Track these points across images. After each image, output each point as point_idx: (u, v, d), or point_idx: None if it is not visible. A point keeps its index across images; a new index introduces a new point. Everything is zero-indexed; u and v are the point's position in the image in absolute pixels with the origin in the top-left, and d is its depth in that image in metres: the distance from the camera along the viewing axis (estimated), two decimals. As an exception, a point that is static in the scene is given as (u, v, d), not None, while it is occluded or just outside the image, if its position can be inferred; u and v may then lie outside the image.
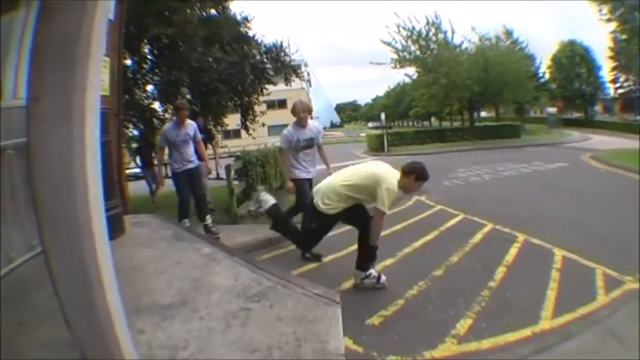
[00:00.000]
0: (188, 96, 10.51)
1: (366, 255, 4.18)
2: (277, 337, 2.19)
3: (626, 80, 39.57)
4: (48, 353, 1.96)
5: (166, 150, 6.38)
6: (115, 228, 4.00)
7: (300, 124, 5.27)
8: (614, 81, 42.00)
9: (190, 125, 6.09)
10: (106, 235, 1.57)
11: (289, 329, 2.29)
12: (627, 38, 22.55)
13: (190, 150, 6.11)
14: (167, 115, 10.86)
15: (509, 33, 35.11)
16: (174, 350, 2.05)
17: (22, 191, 2.83)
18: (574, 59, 44.04)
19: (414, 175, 3.91)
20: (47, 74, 1.56)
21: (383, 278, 4.25)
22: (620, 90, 42.13)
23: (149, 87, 10.52)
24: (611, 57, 37.47)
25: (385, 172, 3.96)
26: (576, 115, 47.06)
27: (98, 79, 1.61)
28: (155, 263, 3.40)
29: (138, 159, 10.13)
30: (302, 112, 5.24)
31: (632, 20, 19.62)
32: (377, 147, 28.05)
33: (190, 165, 6.10)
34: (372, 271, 4.26)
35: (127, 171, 10.22)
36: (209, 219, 6.30)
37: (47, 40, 1.58)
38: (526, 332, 3.31)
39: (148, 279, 3.06)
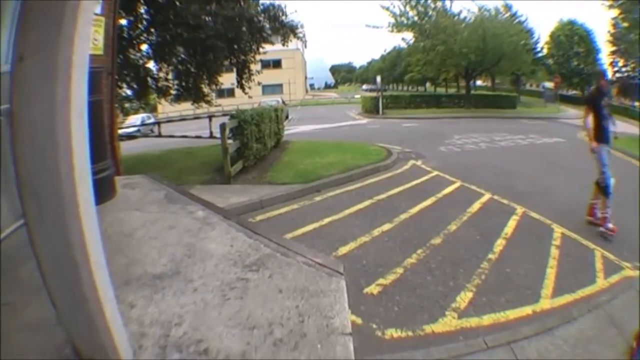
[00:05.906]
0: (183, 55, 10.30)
1: None
2: (278, 312, 2.04)
3: (624, 65, 39.26)
4: (34, 335, 1.80)
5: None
6: (105, 190, 3.85)
7: None
8: (612, 65, 41.60)
9: None
10: (93, 207, 1.37)
11: (291, 302, 2.14)
12: (628, 26, 22.47)
13: None
14: (160, 75, 10.83)
15: (508, 7, 34.32)
16: (167, 327, 1.88)
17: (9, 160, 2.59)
18: (572, 38, 43.18)
19: None
20: (34, 30, 1.36)
21: None
22: (617, 75, 41.76)
23: (144, 47, 10.31)
24: (610, 42, 37.05)
25: None
26: (573, 92, 46.59)
27: (87, 32, 1.39)
28: (146, 228, 3.21)
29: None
30: None
31: (634, 12, 19.56)
32: (371, 110, 27.83)
33: None
34: None
35: (120, 131, 9.89)
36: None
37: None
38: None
39: (139, 246, 2.88)
